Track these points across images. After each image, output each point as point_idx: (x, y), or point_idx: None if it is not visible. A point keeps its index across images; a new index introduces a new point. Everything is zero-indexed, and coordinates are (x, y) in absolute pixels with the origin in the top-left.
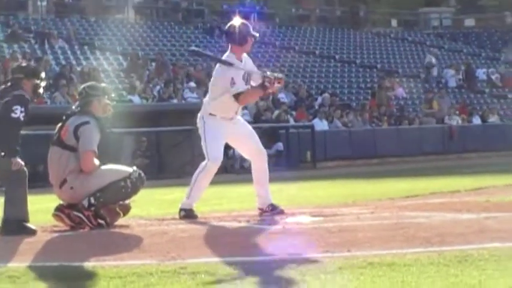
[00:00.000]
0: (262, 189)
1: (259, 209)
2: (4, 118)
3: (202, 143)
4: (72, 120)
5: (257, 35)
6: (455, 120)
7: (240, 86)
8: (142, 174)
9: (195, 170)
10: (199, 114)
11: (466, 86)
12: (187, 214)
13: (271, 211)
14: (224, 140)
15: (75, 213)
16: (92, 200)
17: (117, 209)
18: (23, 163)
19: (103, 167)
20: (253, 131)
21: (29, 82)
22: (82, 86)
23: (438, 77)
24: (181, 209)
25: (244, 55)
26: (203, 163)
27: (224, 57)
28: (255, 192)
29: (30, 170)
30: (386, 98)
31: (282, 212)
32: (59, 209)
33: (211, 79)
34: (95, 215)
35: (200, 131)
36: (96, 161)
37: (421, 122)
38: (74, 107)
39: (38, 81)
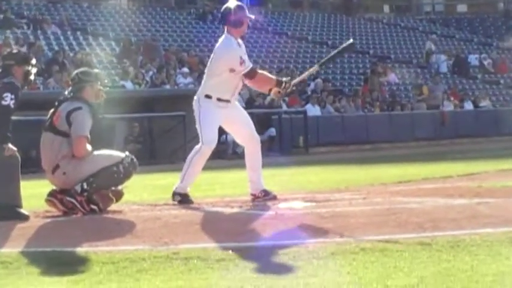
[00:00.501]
0: (255, 174)
1: (252, 194)
2: None
3: (197, 126)
4: (64, 106)
5: (253, 17)
6: (450, 107)
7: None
8: (135, 160)
9: (187, 156)
10: (195, 97)
11: (457, 72)
12: (183, 199)
13: (264, 197)
14: (219, 123)
15: (68, 198)
16: (85, 186)
17: (110, 195)
18: (15, 149)
19: (95, 152)
20: (248, 116)
21: (20, 69)
22: (75, 72)
23: (435, 63)
24: (176, 193)
25: (239, 40)
26: (197, 146)
27: (222, 39)
28: (248, 178)
29: (23, 155)
30: (379, 83)
31: (274, 198)
32: (51, 194)
33: (213, 55)
34: (88, 201)
35: (195, 114)
36: (89, 147)
37: (413, 108)
38: (66, 93)
39: (29, 68)
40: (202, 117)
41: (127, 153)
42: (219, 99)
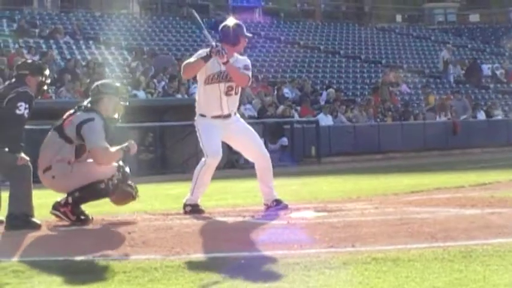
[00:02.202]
0: (266, 187)
1: (265, 204)
2: (9, 115)
3: (200, 144)
4: (79, 115)
5: (250, 35)
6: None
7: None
8: (127, 172)
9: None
10: (195, 117)
11: (469, 81)
12: (194, 209)
13: (276, 206)
14: (219, 135)
15: (52, 211)
16: (69, 200)
17: (129, 189)
18: (28, 158)
19: (89, 164)
20: (253, 132)
21: (34, 79)
22: (96, 84)
23: (451, 73)
24: (187, 205)
25: (237, 55)
26: (203, 159)
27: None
28: (259, 188)
29: (34, 164)
30: (389, 93)
31: (286, 207)
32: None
33: None
34: (72, 211)
35: (197, 133)
36: (109, 150)
37: (425, 118)
38: (85, 103)
39: (43, 79)
40: (201, 133)
41: (121, 163)
42: (213, 118)
